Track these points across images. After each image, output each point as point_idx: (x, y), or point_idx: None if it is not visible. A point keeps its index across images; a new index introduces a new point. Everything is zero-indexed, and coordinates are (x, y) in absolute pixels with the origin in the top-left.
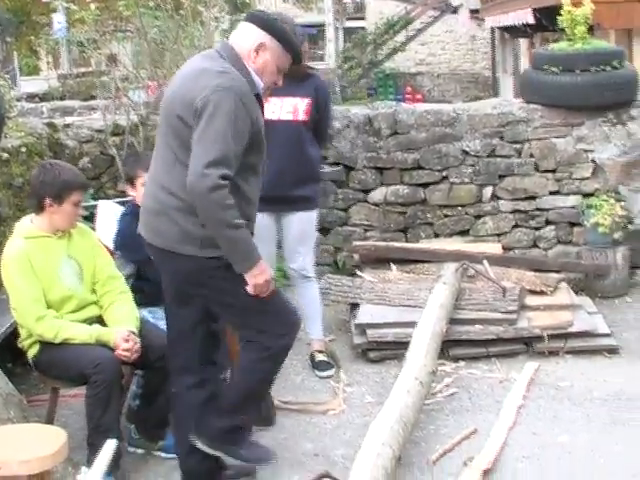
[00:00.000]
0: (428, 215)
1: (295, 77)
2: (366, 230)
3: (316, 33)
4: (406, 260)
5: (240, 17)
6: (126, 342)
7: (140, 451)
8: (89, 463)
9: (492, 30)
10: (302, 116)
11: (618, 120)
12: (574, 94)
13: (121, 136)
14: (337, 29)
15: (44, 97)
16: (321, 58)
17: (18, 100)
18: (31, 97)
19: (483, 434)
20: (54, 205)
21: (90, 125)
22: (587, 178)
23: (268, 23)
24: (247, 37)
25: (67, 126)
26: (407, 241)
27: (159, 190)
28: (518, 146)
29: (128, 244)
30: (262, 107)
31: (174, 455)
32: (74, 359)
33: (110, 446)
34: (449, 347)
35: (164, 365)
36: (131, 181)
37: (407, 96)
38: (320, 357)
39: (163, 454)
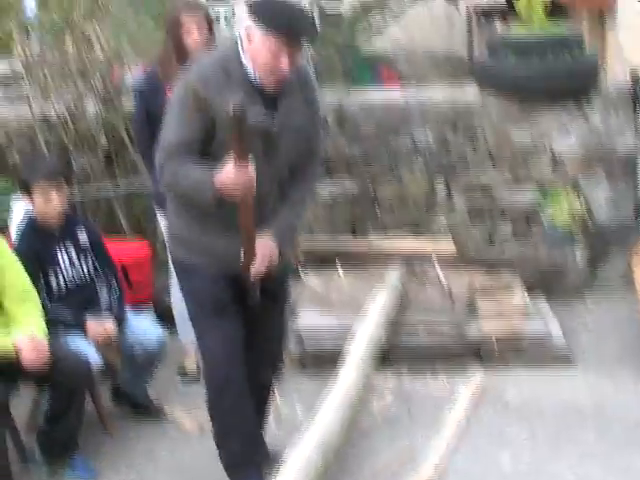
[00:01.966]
0: (377, 211)
1: None
2: (312, 225)
3: None
4: (353, 258)
5: None
6: (31, 342)
7: (45, 473)
8: None
9: (468, 11)
10: None
11: (578, 110)
12: (531, 82)
13: (52, 129)
14: (313, 12)
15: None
16: None
17: None
18: None
19: (420, 454)
20: None
21: (18, 117)
22: (545, 171)
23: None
24: (243, 22)
25: None
26: (355, 238)
27: None
28: (472, 137)
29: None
30: (261, 95)
31: (80, 478)
32: None
33: None
34: (392, 355)
35: (74, 385)
36: (27, 190)
37: (384, 79)
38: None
39: (69, 475)
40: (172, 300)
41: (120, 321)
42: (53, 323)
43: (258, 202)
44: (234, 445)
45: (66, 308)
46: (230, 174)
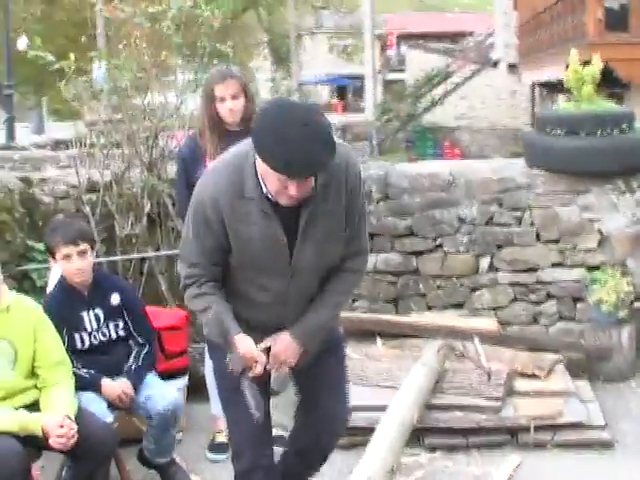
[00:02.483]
0: (420, 286)
1: None
2: (354, 300)
3: (360, 85)
4: (394, 333)
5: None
6: (61, 428)
7: None
8: None
9: (532, 85)
10: None
11: (627, 188)
12: (579, 159)
13: (97, 193)
14: (376, 81)
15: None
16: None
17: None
18: (57, 144)
19: None
20: None
21: (66, 180)
22: (593, 250)
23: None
24: None
25: (43, 180)
26: (397, 312)
27: None
28: (518, 214)
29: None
30: (277, 208)
31: None
32: None
33: None
34: (425, 435)
35: (96, 455)
36: (52, 253)
37: (445, 150)
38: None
39: None
40: (206, 371)
41: (136, 384)
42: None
43: (285, 309)
44: None
45: (88, 369)
46: (242, 355)
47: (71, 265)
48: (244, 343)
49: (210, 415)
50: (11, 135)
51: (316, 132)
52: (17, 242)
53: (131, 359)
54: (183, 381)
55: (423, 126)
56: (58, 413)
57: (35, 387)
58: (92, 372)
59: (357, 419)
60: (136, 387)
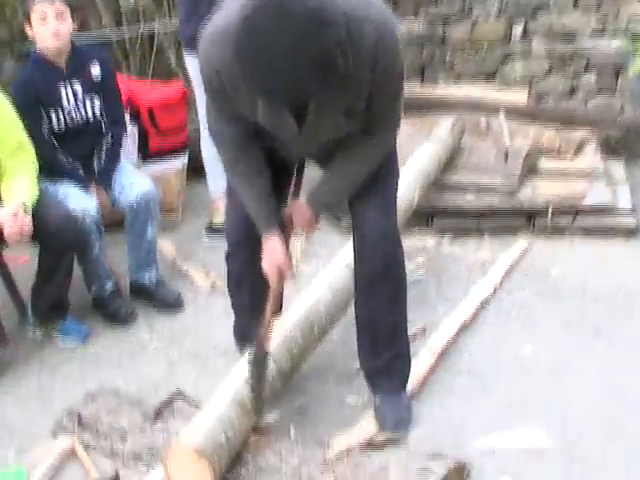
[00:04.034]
0: (448, 55)
1: None
2: None
3: None
4: (417, 105)
5: None
6: (14, 219)
7: (39, 334)
8: None
9: None
10: None
11: None
12: None
13: None
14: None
15: None
16: None
17: None
18: None
19: (435, 328)
20: None
21: None
22: (637, 16)
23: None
24: None
25: None
26: (423, 84)
27: None
28: None
29: (21, 92)
30: None
31: (72, 340)
32: None
33: None
34: (435, 217)
35: (61, 241)
36: (29, 19)
37: None
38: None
39: (61, 337)
40: (203, 152)
41: (105, 186)
42: (54, 170)
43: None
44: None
45: (67, 152)
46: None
47: (47, 28)
48: (272, 246)
49: (208, 196)
50: None
51: (306, 54)
52: (19, 20)
53: (96, 158)
54: (181, 161)
55: None
56: (15, 202)
57: None
58: (79, 164)
59: None
60: (107, 188)
